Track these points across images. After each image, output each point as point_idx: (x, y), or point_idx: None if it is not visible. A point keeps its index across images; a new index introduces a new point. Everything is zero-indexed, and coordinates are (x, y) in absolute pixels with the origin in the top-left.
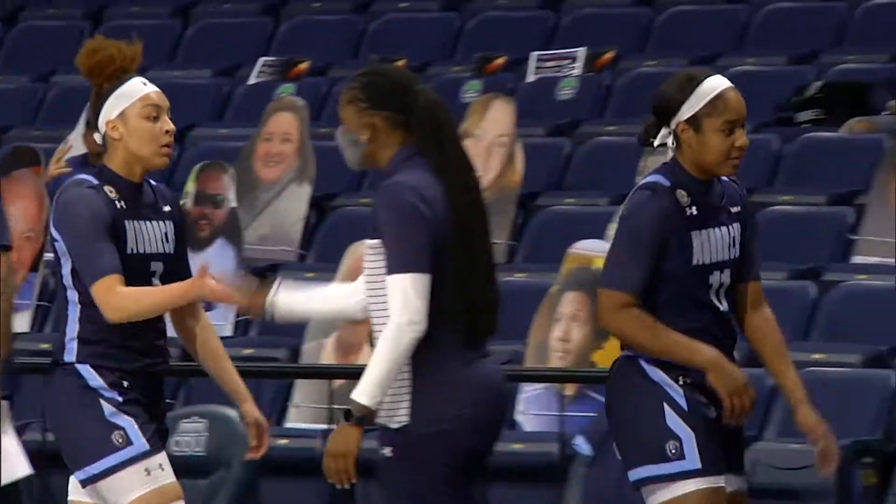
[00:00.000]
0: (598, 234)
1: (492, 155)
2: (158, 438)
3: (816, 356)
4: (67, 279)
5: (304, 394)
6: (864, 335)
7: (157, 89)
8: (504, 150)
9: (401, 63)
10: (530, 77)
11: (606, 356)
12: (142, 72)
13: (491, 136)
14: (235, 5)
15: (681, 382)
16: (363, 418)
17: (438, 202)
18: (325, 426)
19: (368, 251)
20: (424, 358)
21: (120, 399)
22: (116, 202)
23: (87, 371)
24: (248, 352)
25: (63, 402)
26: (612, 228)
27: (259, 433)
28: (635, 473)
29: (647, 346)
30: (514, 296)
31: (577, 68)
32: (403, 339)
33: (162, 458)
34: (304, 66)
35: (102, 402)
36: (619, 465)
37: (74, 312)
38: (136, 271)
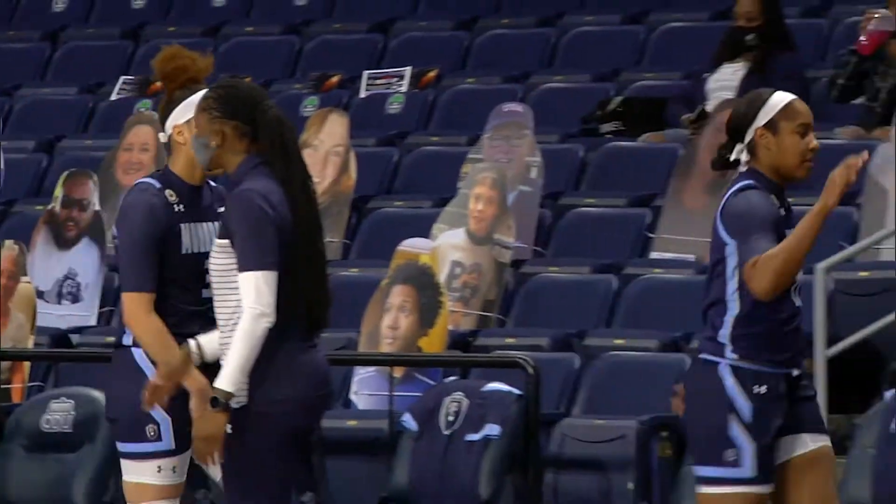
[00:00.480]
0: (424, 233)
1: (328, 163)
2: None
3: (618, 342)
4: None
5: None
6: (660, 323)
7: None
8: (339, 159)
9: (246, 80)
10: (362, 93)
11: (430, 342)
12: (14, 89)
13: (327, 147)
14: (98, 30)
15: (754, 392)
16: (227, 404)
17: (282, 207)
18: None
19: (216, 249)
20: (265, 345)
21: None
22: (175, 206)
23: (140, 355)
24: (110, 339)
25: (120, 378)
26: (436, 228)
27: None
28: (697, 469)
29: None
30: (348, 288)
31: (404, 85)
32: (258, 330)
33: (179, 460)
34: (159, 84)
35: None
36: (442, 440)
37: None
38: (192, 269)
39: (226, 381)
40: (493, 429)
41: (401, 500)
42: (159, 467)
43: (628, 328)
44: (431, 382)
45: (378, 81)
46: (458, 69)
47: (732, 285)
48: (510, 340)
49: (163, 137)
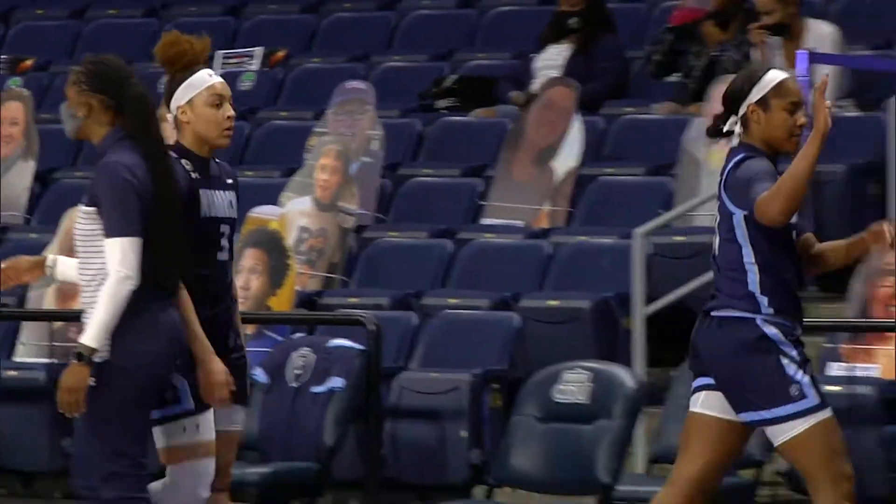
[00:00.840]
0: (273, 201)
1: None
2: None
3: (452, 301)
4: None
5: (30, 333)
6: (491, 284)
7: (222, 80)
8: None
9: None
10: (217, 71)
11: (279, 301)
12: None
13: None
14: None
15: (790, 338)
16: (91, 358)
17: (145, 179)
18: (46, 360)
19: (82, 216)
20: (128, 305)
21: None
22: (192, 172)
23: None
24: None
25: None
26: (284, 196)
27: None
28: (759, 415)
29: None
30: None
31: (255, 64)
32: (122, 291)
33: (202, 418)
34: (29, 62)
35: None
36: (290, 392)
37: None
38: (209, 233)
39: (90, 337)
40: (337, 382)
41: (252, 448)
42: (184, 428)
43: (462, 289)
44: (280, 339)
45: (231, 61)
46: (305, 50)
47: (748, 252)
48: (353, 300)
49: (169, 118)
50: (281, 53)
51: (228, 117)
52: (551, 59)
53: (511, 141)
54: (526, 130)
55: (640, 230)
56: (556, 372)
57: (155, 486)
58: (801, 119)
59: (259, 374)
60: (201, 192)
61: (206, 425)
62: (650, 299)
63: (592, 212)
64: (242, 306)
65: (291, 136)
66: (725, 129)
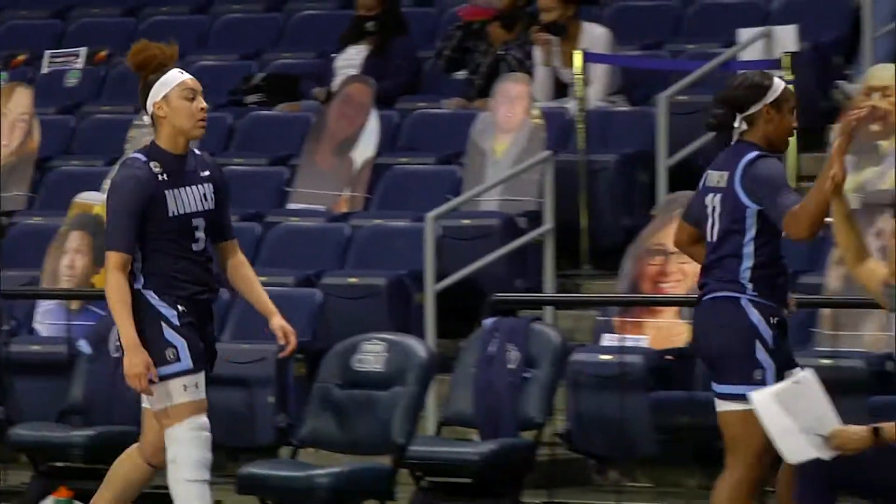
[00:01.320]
0: (96, 188)
1: (15, 128)
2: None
3: (262, 278)
4: None
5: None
6: (296, 263)
7: (192, 76)
8: (25, 125)
9: None
10: (44, 70)
11: (101, 279)
12: None
13: (14, 115)
14: None
15: (772, 322)
16: None
17: None
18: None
19: None
20: None
21: (177, 322)
22: (159, 175)
23: (151, 296)
24: None
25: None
26: (106, 183)
27: (286, 336)
28: (724, 388)
29: None
30: (32, 234)
31: (80, 63)
32: None
33: (200, 377)
34: (21, 58)
35: (163, 322)
36: (111, 361)
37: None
38: (181, 228)
39: None
40: None
41: (77, 413)
42: (184, 386)
43: (269, 267)
44: (103, 313)
45: (58, 60)
46: (125, 49)
47: (749, 240)
48: None
49: (146, 119)
50: (103, 53)
51: (201, 109)
52: (350, 59)
53: (314, 133)
54: (327, 123)
55: (431, 214)
56: (354, 343)
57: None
58: (794, 122)
59: (84, 346)
60: (167, 193)
61: (202, 384)
62: (440, 277)
63: (388, 197)
64: (68, 283)
65: (113, 128)
66: (736, 125)
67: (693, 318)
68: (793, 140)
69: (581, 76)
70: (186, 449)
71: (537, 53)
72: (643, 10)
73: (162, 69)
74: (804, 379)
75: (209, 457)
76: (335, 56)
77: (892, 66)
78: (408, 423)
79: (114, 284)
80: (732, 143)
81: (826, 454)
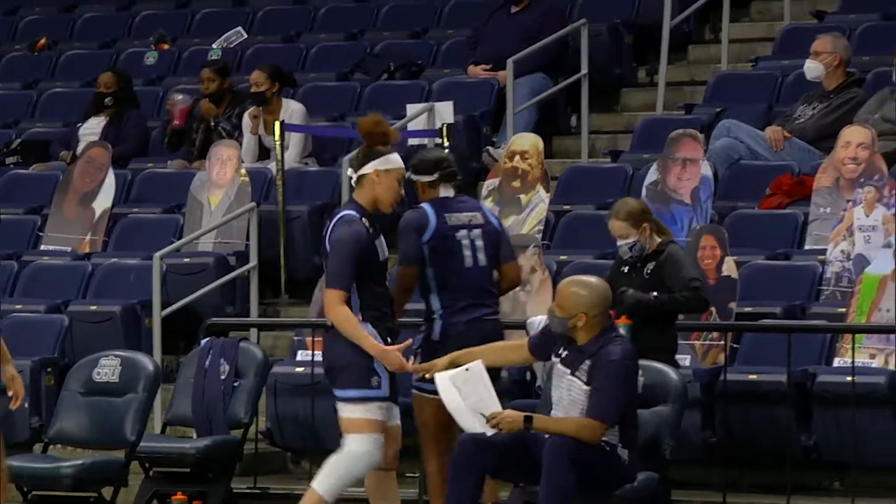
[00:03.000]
0: None
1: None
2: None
3: (18, 306)
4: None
5: None
6: (47, 293)
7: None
8: None
9: None
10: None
11: None
12: None
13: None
14: None
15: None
16: None
17: None
18: None
19: None
20: None
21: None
22: (369, 229)
23: (368, 329)
24: None
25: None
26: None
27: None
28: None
29: None
30: None
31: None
32: None
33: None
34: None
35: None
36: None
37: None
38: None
39: None
40: None
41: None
42: (379, 407)
43: (25, 297)
44: None
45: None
46: None
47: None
48: None
49: (352, 174)
50: None
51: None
52: (91, 128)
53: (61, 188)
54: (72, 180)
55: (158, 254)
56: (95, 359)
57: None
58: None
59: None
60: (376, 242)
61: (395, 412)
62: (165, 305)
63: (122, 240)
64: None
65: None
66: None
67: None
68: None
69: (280, 142)
70: (358, 460)
71: (245, 123)
72: (330, 89)
73: (385, 143)
74: (473, 368)
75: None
76: (79, 125)
77: (530, 134)
78: (138, 424)
79: (343, 314)
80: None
81: (488, 430)
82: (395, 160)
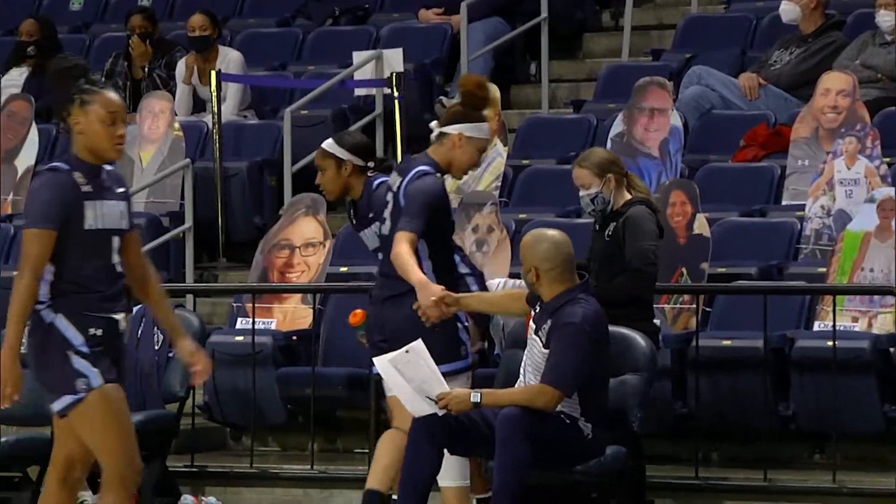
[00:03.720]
0: None
1: None
2: None
3: None
4: None
5: None
6: None
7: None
8: None
9: None
10: None
11: None
12: None
13: None
14: None
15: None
16: None
17: None
18: None
19: None
20: None
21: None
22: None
23: None
24: None
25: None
26: None
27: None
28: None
29: None
30: None
31: None
32: None
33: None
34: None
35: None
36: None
37: None
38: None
39: None
40: None
41: None
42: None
43: None
44: None
45: None
46: None
47: None
48: None
49: (435, 128)
50: None
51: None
52: (13, 80)
53: None
54: None
55: None
56: None
57: None
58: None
59: None
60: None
61: None
62: None
63: None
64: None
65: None
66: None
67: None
68: (399, 149)
69: (216, 93)
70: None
71: (179, 72)
72: (269, 36)
73: (481, 109)
74: (413, 348)
75: None
76: (1, 77)
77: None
78: None
79: (405, 250)
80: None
81: (438, 411)
82: (484, 130)
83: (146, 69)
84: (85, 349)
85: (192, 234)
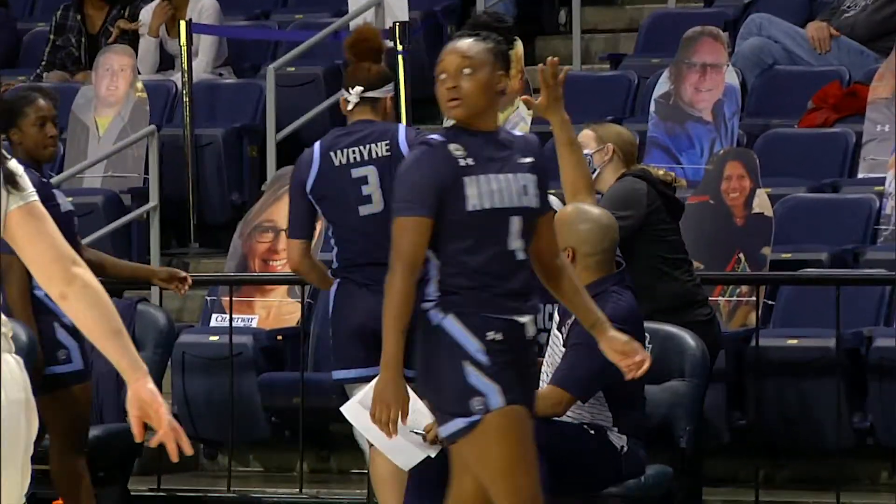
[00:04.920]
0: None
1: None
2: None
3: None
4: None
5: None
6: None
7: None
8: None
9: None
10: None
11: None
12: None
13: None
14: None
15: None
16: None
17: None
18: None
19: None
20: None
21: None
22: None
23: None
24: None
25: None
26: None
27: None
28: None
29: None
30: None
31: None
32: None
33: None
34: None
35: None
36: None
37: None
38: None
39: None
40: None
41: None
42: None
43: None
44: None
45: None
46: None
47: None
48: None
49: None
50: None
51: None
52: None
53: None
54: None
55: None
56: None
57: None
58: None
59: None
60: None
61: None
62: None
63: None
64: None
65: None
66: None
67: None
68: (404, 111)
69: (187, 47)
70: None
71: (143, 19)
72: None
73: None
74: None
75: None
76: None
77: None
78: None
79: None
80: None
81: (431, 451)
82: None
83: (104, 21)
84: (483, 358)
85: (157, 215)
